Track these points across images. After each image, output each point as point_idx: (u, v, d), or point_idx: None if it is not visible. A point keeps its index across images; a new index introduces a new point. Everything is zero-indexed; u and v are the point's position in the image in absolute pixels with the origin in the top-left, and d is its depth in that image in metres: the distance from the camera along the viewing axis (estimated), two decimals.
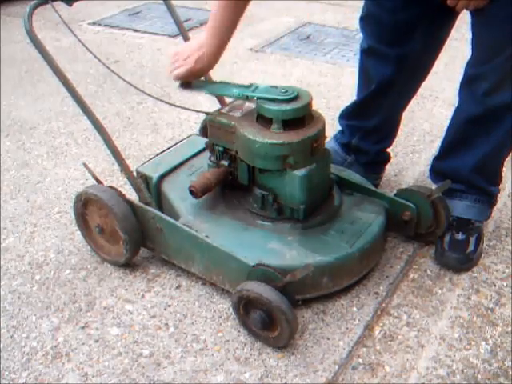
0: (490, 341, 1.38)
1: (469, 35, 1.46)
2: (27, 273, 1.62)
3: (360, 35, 1.71)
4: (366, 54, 1.69)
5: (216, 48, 1.43)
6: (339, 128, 1.91)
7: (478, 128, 1.52)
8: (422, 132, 2.32)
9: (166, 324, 1.44)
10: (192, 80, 1.52)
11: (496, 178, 1.64)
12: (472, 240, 1.61)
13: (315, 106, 1.46)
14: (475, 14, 1.42)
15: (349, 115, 1.83)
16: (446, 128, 1.65)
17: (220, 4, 1.39)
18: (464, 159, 1.59)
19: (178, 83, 1.54)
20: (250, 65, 3.03)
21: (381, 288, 1.54)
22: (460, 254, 1.58)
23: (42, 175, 2.09)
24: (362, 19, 1.65)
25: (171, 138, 2.30)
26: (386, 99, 1.71)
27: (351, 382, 1.28)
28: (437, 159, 1.71)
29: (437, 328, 1.42)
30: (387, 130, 1.84)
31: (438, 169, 1.70)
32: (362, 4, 1.65)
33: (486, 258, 1.63)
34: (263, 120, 1.41)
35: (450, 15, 1.52)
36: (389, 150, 1.89)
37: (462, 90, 1.55)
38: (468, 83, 1.51)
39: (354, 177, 1.68)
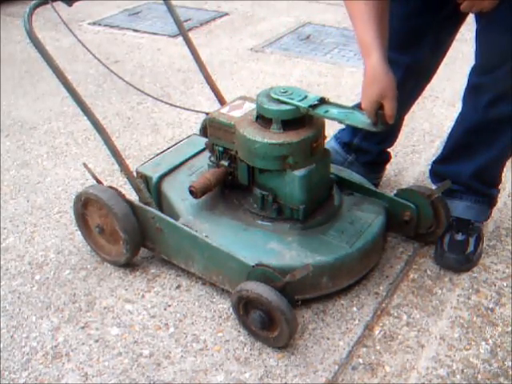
0: (490, 341, 1.38)
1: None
2: (27, 273, 1.62)
3: None
4: None
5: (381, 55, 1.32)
6: (339, 127, 1.91)
7: (480, 137, 1.53)
8: (422, 132, 2.32)
9: (166, 324, 1.44)
10: None
11: (495, 182, 1.64)
12: (471, 241, 1.61)
13: None
14: (479, 20, 1.41)
15: None
16: (447, 130, 1.65)
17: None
18: (464, 165, 1.59)
19: None
20: (250, 65, 3.03)
21: (381, 288, 1.53)
22: (459, 254, 1.58)
23: (41, 175, 2.09)
24: None
25: (171, 138, 2.30)
26: None
27: (351, 382, 1.28)
28: (437, 163, 1.71)
29: (437, 328, 1.42)
30: (390, 131, 1.83)
31: (438, 172, 1.70)
32: None
33: (486, 258, 1.63)
34: (263, 120, 1.41)
35: (458, 21, 1.52)
36: (389, 149, 1.89)
37: (466, 98, 1.55)
38: (471, 92, 1.51)
39: (354, 177, 1.68)
